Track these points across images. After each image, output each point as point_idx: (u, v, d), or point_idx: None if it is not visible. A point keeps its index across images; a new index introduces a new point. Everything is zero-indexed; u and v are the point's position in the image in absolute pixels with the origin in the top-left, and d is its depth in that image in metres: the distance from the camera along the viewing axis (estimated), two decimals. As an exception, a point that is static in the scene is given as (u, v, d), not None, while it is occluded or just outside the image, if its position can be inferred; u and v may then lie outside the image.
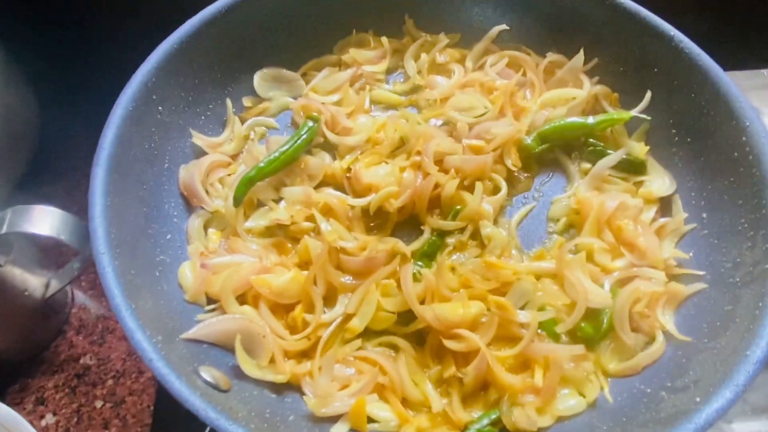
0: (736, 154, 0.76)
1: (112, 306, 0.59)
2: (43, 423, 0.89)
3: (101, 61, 1.08)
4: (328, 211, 0.79)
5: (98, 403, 0.91)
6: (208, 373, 0.62)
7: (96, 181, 0.68)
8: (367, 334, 0.71)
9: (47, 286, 0.93)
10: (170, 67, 0.81)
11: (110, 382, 0.94)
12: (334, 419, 0.65)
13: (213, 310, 0.72)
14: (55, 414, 0.90)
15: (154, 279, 0.71)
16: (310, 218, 0.78)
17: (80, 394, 0.91)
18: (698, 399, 0.59)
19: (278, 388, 0.68)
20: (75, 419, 0.89)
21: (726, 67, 0.79)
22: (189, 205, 0.82)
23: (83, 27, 1.14)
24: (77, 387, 0.93)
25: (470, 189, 0.80)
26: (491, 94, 0.90)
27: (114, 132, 0.73)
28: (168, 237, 0.78)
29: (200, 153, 0.87)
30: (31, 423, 0.75)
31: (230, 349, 0.68)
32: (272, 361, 0.67)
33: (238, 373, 0.67)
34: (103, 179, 0.69)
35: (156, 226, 0.77)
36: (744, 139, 0.74)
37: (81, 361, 0.95)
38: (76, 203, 1.11)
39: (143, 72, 0.78)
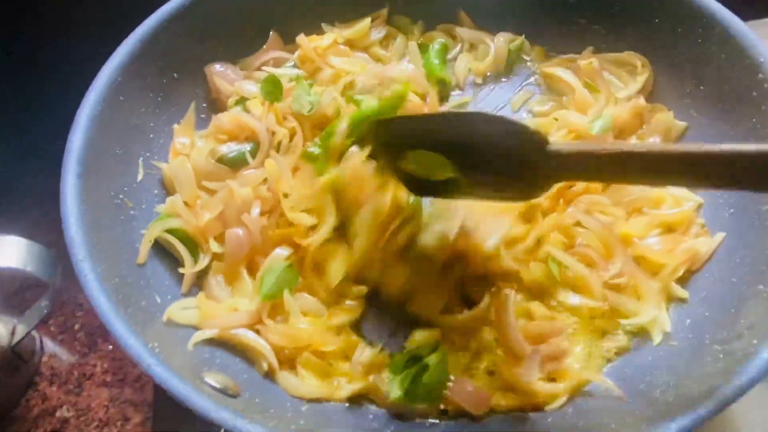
0: (754, 93, 0.80)
1: (100, 314, 0.59)
2: (20, 490, 0.88)
3: (54, 88, 1.11)
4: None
5: (81, 459, 0.88)
6: (213, 379, 0.63)
7: (67, 187, 0.70)
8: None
9: (13, 332, 0.92)
10: (135, 66, 0.84)
11: (93, 433, 0.93)
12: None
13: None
14: (33, 478, 0.88)
15: (140, 288, 0.72)
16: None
17: (60, 451, 0.88)
18: (755, 341, 0.61)
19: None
20: (57, 481, 0.87)
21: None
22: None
23: (29, 57, 1.17)
24: (55, 444, 0.92)
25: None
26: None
27: (82, 136, 0.75)
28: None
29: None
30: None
31: (236, 354, 0.69)
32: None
33: (246, 377, 0.67)
34: (74, 185, 0.71)
35: (135, 235, 0.78)
36: (761, 76, 0.78)
37: (57, 415, 0.94)
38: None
39: (108, 72, 0.80)
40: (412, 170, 0.68)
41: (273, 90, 0.90)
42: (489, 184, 0.65)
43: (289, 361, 0.73)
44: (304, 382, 0.71)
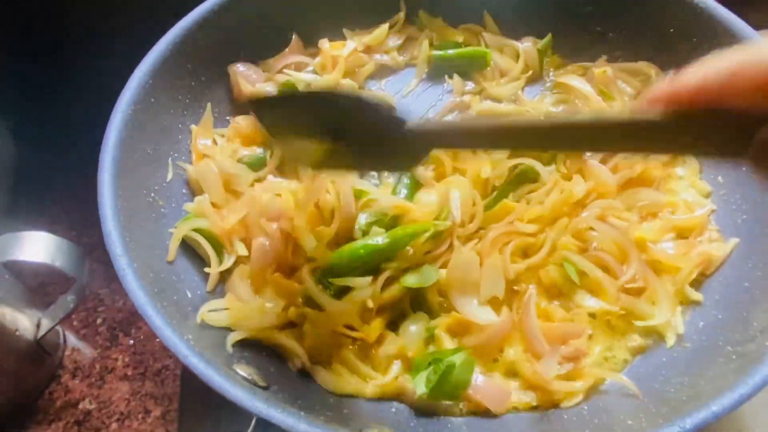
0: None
1: (139, 306, 0.62)
2: (44, 478, 0.90)
3: (78, 90, 1.14)
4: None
5: (103, 451, 0.90)
6: (244, 371, 0.65)
7: (104, 186, 0.73)
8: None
9: (38, 325, 0.94)
10: (165, 69, 0.87)
11: (114, 425, 0.95)
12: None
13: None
14: (56, 468, 0.89)
15: (172, 283, 0.75)
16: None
17: (82, 442, 0.90)
18: (767, 343, 0.63)
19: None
20: (79, 471, 0.89)
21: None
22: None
23: (57, 58, 1.20)
24: (78, 435, 0.95)
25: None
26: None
27: (116, 136, 0.77)
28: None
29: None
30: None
31: (262, 349, 0.71)
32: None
33: (274, 370, 0.70)
34: (110, 183, 0.73)
35: (166, 232, 0.81)
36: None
37: (80, 407, 0.96)
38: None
39: (140, 74, 0.83)
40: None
41: None
42: (368, 157, 0.69)
43: (321, 357, 0.75)
44: (338, 377, 0.73)
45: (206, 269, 0.82)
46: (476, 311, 0.76)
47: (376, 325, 0.76)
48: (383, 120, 0.61)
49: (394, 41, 1.08)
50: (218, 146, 0.92)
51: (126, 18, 1.10)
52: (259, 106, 0.69)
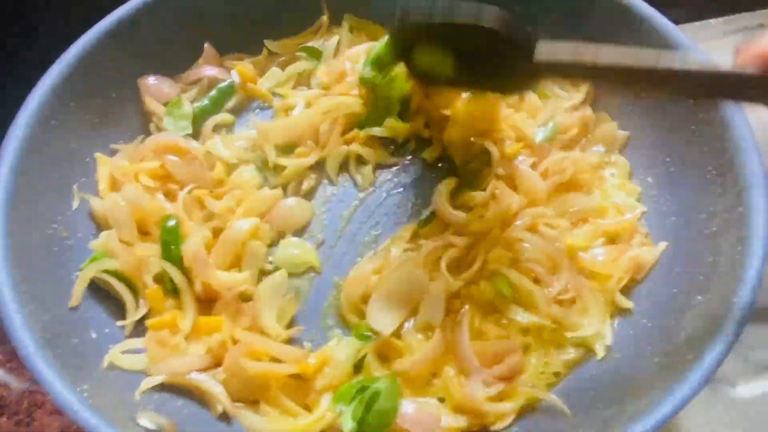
0: (691, 99, 0.80)
1: (23, 358, 0.56)
2: None
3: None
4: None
5: (35, 496, 0.87)
6: (148, 420, 0.60)
7: (-6, 221, 0.67)
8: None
9: (-46, 364, 0.89)
10: (70, 86, 0.80)
11: (45, 465, 0.91)
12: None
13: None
14: None
15: (73, 323, 0.69)
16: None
17: (12, 488, 0.88)
18: (690, 356, 0.61)
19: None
20: None
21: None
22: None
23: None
24: (6, 481, 0.89)
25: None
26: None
27: (10, 163, 0.71)
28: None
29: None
30: None
31: (175, 392, 0.67)
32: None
33: (188, 413, 0.65)
34: (2, 218, 0.68)
35: (71, 266, 0.75)
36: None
37: None
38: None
39: (40, 93, 0.76)
40: (421, 66, 0.77)
41: None
42: (479, 81, 0.78)
43: (247, 398, 0.70)
44: (267, 420, 0.68)
45: (119, 323, 0.75)
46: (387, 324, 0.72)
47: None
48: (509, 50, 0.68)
49: (323, 44, 1.02)
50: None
51: (28, 30, 1.02)
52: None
